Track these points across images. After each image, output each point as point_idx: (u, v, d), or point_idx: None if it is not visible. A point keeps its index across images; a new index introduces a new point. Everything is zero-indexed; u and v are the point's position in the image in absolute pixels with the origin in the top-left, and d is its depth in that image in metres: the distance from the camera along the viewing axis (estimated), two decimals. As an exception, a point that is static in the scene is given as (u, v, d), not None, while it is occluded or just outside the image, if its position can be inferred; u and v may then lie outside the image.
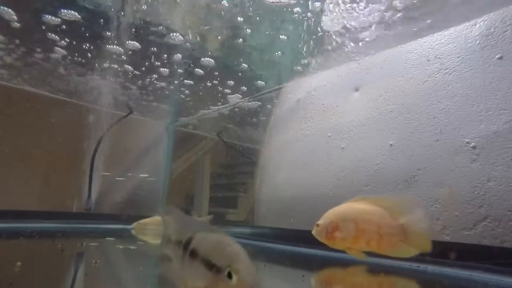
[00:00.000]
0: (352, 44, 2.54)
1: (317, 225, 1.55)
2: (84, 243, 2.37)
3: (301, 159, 2.75)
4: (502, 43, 1.82)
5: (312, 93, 2.86)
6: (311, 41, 2.66)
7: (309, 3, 2.27)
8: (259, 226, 3.01)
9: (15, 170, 3.47)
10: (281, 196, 2.82)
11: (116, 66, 3.21)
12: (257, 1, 2.31)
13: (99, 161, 3.93)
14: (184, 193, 5.29)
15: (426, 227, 1.41)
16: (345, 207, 1.56)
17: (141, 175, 4.46)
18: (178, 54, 2.98)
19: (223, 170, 5.61)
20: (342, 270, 1.80)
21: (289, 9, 2.35)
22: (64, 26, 2.57)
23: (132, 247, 2.43)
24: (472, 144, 1.80)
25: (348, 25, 2.37)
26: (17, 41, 2.85)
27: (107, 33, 2.68)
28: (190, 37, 2.76)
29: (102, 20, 2.54)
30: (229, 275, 0.66)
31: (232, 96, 3.80)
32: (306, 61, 2.94)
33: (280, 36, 2.67)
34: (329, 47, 2.64)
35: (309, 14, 2.38)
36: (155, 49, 2.91)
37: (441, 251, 1.72)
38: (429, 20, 2.14)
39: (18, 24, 2.56)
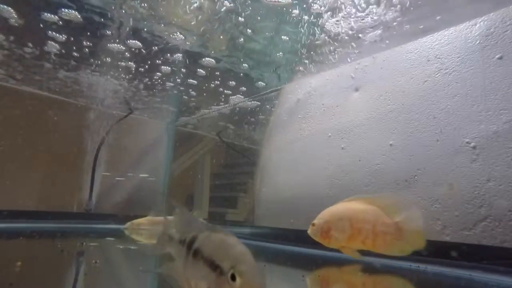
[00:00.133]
0: (353, 44, 2.54)
1: (313, 225, 1.56)
2: (84, 243, 2.37)
3: (301, 159, 2.75)
4: (502, 43, 1.82)
5: (312, 93, 2.86)
6: (312, 41, 2.66)
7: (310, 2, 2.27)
8: (259, 226, 3.01)
9: (15, 170, 3.47)
10: (281, 196, 2.82)
11: (117, 65, 3.22)
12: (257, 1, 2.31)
13: (100, 161, 3.94)
14: (184, 193, 5.29)
15: (420, 225, 1.42)
16: (340, 207, 1.58)
17: (141, 175, 4.46)
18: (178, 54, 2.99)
19: (223, 170, 5.61)
20: (343, 270, 1.80)
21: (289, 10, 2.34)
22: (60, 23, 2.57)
23: (132, 247, 2.43)
24: (472, 144, 1.80)
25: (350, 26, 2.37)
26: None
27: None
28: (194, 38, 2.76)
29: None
30: (233, 277, 0.63)
31: (234, 97, 3.81)
32: (306, 61, 2.94)
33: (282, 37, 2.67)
34: (330, 48, 2.65)
35: (307, 15, 2.37)
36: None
37: (441, 251, 1.72)
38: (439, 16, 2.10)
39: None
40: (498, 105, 1.75)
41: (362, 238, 1.48)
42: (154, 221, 2.83)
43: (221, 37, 2.76)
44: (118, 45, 2.85)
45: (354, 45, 2.56)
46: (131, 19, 2.52)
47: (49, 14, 2.45)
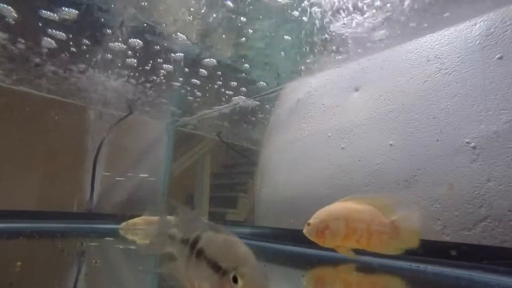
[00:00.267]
0: (353, 44, 2.54)
1: (308, 224, 1.57)
2: (84, 243, 2.37)
3: (301, 159, 2.75)
4: (502, 43, 1.82)
5: (312, 93, 2.86)
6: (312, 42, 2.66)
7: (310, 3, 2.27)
8: (259, 226, 3.01)
9: (15, 170, 3.48)
10: (281, 196, 2.82)
11: (119, 65, 3.22)
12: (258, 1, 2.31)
13: (100, 161, 3.94)
14: (184, 193, 5.29)
15: (415, 223, 1.43)
16: (335, 206, 1.59)
17: (141, 175, 4.46)
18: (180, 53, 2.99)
19: (223, 170, 5.61)
20: (342, 270, 1.80)
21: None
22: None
23: (132, 247, 2.43)
24: (472, 144, 1.80)
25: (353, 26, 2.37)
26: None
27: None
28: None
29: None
30: (235, 279, 0.62)
31: (236, 98, 3.81)
32: (307, 61, 2.94)
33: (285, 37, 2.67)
34: (331, 48, 2.65)
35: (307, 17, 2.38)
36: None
37: (441, 251, 1.72)
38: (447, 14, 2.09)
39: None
40: (498, 105, 1.75)
41: (357, 237, 1.49)
42: (149, 220, 2.82)
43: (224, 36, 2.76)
44: (120, 44, 2.84)
45: (354, 45, 2.56)
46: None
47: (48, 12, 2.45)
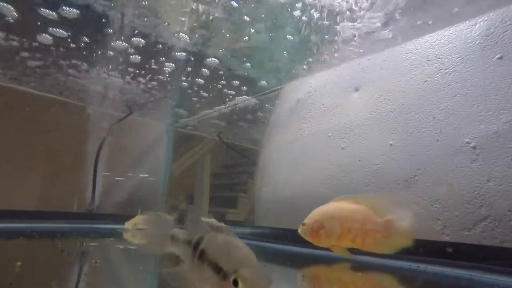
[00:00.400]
0: (353, 44, 2.54)
1: (303, 224, 1.58)
2: (84, 243, 2.37)
3: (301, 159, 2.75)
4: (502, 43, 1.82)
5: (312, 93, 2.86)
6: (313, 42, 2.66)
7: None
8: (259, 226, 3.01)
9: (15, 170, 3.48)
10: (281, 196, 2.82)
11: (119, 65, 3.22)
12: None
13: (101, 162, 3.94)
14: (184, 193, 5.29)
15: (409, 222, 1.44)
16: (330, 206, 1.60)
17: (141, 175, 4.46)
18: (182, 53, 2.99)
19: (223, 170, 5.61)
20: (344, 270, 1.80)
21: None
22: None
23: (132, 247, 2.43)
24: (472, 144, 1.80)
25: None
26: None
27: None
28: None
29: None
30: (235, 282, 0.62)
31: (239, 98, 3.82)
32: (308, 60, 2.94)
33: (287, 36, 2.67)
34: (331, 47, 2.65)
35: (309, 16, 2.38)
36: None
37: (441, 251, 1.72)
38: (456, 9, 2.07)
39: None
40: (498, 105, 1.75)
41: (352, 237, 1.50)
42: (146, 220, 2.83)
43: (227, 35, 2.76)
44: (122, 42, 2.84)
45: (355, 45, 2.56)
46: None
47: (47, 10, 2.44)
